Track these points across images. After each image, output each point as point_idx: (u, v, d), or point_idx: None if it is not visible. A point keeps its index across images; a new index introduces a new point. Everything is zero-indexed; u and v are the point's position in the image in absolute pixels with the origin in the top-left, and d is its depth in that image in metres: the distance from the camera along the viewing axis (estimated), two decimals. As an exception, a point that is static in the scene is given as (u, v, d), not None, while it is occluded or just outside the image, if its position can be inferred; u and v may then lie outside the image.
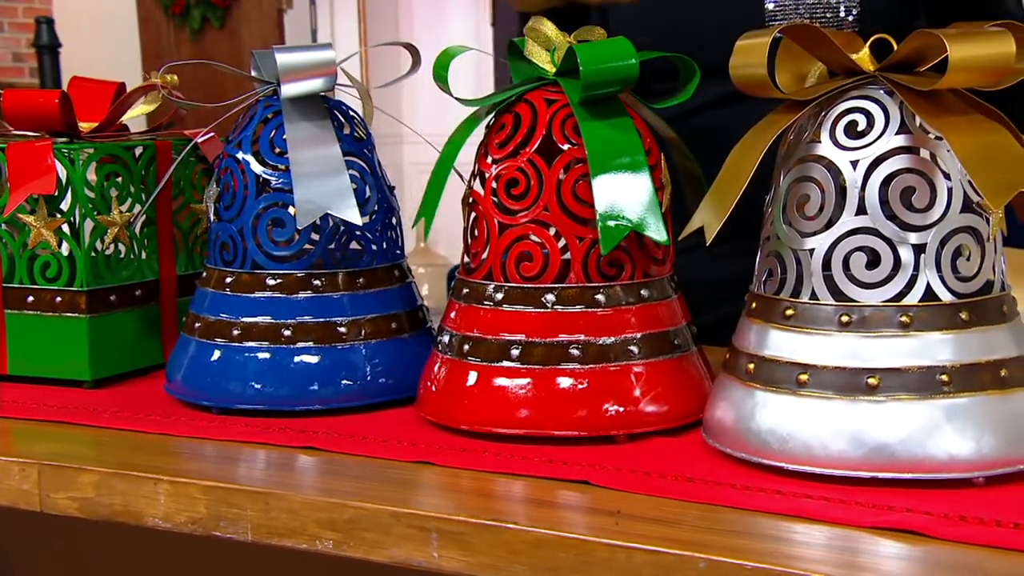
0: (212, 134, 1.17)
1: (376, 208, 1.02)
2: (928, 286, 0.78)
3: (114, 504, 0.83)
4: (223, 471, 0.84)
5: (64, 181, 1.07)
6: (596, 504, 0.75)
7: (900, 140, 0.79)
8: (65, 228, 1.08)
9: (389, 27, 6.13)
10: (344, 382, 0.99)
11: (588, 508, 0.75)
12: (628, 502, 0.75)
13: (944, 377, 0.77)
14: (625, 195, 0.87)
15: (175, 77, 1.13)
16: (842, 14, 1.28)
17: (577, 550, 0.69)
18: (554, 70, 0.94)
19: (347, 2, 5.99)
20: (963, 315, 0.78)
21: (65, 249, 1.08)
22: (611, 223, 0.86)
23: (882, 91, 0.80)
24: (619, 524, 0.71)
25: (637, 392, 0.89)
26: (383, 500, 0.76)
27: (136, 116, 1.21)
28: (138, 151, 1.13)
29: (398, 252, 1.06)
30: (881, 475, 0.76)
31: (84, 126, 1.15)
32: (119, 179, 1.10)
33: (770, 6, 1.29)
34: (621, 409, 0.88)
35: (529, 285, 0.90)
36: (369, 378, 1.00)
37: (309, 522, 0.77)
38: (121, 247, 1.11)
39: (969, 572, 0.64)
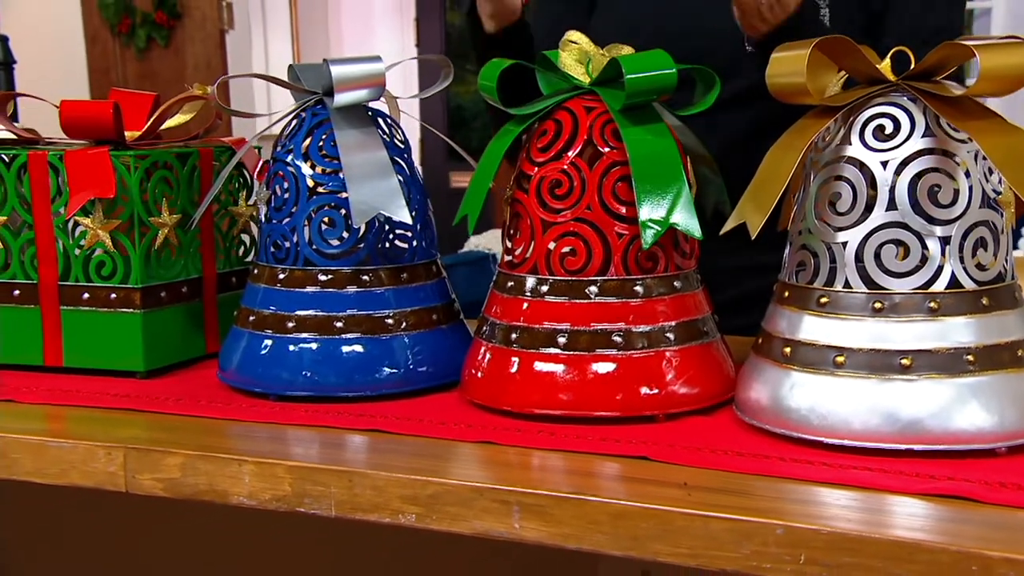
0: (247, 142, 1.13)
1: (416, 208, 0.99)
2: (953, 275, 0.77)
3: (199, 484, 0.80)
4: (302, 452, 0.81)
5: (119, 186, 1.03)
6: (661, 477, 0.73)
7: (925, 142, 0.78)
8: (120, 229, 1.03)
9: (320, 47, 6.04)
10: (390, 370, 0.96)
11: (656, 481, 0.73)
12: (690, 475, 0.74)
13: (969, 357, 0.76)
14: (664, 194, 0.85)
15: (214, 88, 1.09)
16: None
17: (658, 519, 0.67)
18: (589, 80, 0.92)
19: (280, 23, 5.90)
20: (984, 301, 0.78)
21: (119, 249, 1.04)
22: (652, 220, 0.85)
23: (906, 98, 0.80)
24: (691, 495, 0.69)
25: (672, 375, 0.87)
26: (462, 476, 0.74)
27: (175, 125, 1.17)
28: (184, 158, 1.09)
29: (433, 250, 1.03)
30: (916, 447, 0.75)
31: (127, 135, 1.11)
32: (168, 184, 1.06)
33: None
34: (658, 391, 0.87)
35: (573, 278, 0.88)
36: (412, 366, 0.97)
37: (392, 498, 0.74)
38: (170, 247, 1.07)
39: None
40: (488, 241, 3.92)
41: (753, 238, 0.79)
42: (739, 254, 1.14)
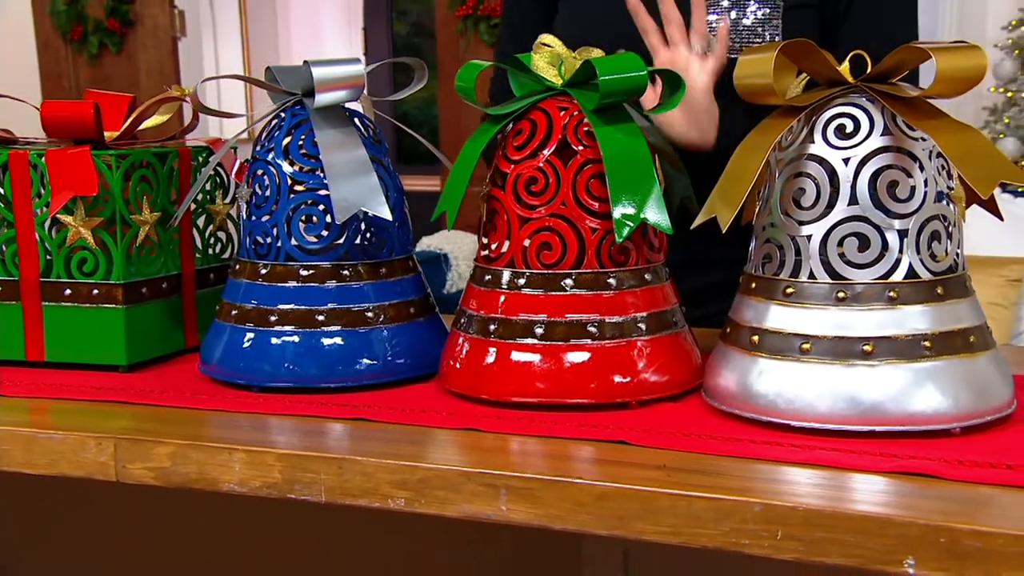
0: (225, 142, 1.13)
1: (394, 205, 1.00)
2: (910, 266, 0.79)
3: (189, 473, 0.79)
4: (290, 440, 0.81)
5: (101, 184, 1.02)
6: (640, 460, 0.74)
7: (884, 140, 0.80)
8: (101, 227, 1.03)
9: (270, 54, 6.00)
10: (370, 362, 0.96)
11: (635, 464, 0.74)
12: (667, 458, 0.75)
13: (926, 343, 0.78)
14: (636, 191, 0.86)
15: (193, 89, 1.09)
16: (767, 38, 1.29)
17: (641, 500, 0.68)
18: (561, 82, 0.93)
19: (231, 31, 5.86)
20: (939, 290, 0.80)
21: (101, 246, 1.03)
22: (625, 216, 0.86)
23: (865, 99, 0.81)
24: (671, 476, 0.70)
25: (643, 364, 0.88)
26: (449, 461, 0.74)
27: (152, 126, 1.16)
28: (163, 157, 1.08)
29: (410, 246, 1.03)
30: (877, 428, 0.77)
31: (106, 135, 1.10)
32: (148, 182, 1.06)
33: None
34: (630, 379, 0.88)
35: (549, 271, 0.89)
36: (390, 358, 0.97)
37: (382, 483, 0.75)
38: (151, 244, 1.06)
39: (988, 507, 0.65)
40: (440, 242, 3.93)
41: (724, 231, 0.80)
42: (689, 248, 1.16)
